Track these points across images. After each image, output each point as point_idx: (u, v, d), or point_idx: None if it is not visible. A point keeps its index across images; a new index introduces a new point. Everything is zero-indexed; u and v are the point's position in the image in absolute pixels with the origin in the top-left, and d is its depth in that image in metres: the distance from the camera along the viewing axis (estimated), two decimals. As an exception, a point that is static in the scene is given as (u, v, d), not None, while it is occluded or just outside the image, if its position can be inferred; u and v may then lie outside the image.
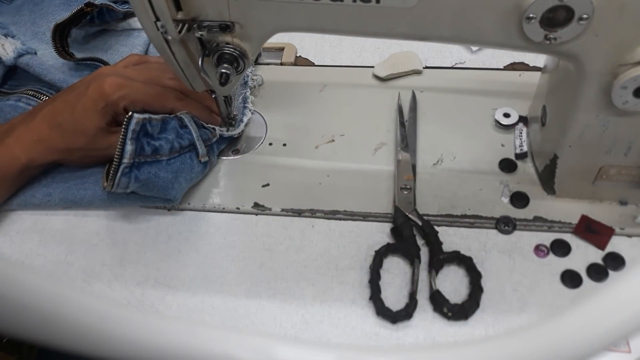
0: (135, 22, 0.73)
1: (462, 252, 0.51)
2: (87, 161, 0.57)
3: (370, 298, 0.49)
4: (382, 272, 0.51)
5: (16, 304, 0.19)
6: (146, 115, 0.52)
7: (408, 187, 0.56)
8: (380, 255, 0.51)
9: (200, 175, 0.58)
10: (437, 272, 0.50)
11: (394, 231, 0.53)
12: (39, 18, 0.73)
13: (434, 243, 0.51)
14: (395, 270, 0.51)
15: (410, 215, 0.53)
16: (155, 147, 0.53)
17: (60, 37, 0.67)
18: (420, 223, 0.53)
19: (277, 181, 0.59)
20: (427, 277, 0.50)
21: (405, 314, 0.47)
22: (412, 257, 0.51)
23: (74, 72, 0.68)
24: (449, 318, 0.48)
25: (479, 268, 0.50)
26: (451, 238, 0.53)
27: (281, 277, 0.52)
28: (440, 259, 0.50)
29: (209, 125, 0.59)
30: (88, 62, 0.67)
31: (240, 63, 0.49)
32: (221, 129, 0.60)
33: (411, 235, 0.52)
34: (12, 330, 0.19)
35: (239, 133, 0.62)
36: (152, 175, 0.53)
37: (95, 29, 0.72)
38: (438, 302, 0.48)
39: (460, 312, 0.47)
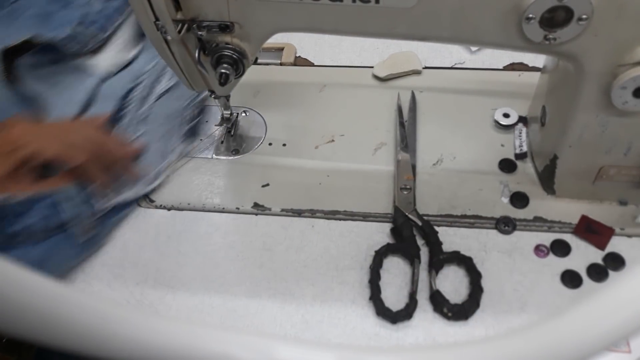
0: (87, 63, 0.67)
1: (462, 252, 0.51)
2: None
3: (370, 298, 0.49)
4: (382, 272, 0.50)
5: (16, 304, 0.19)
6: (5, 195, 0.48)
7: (408, 187, 0.56)
8: (380, 256, 0.51)
9: (80, 256, 0.54)
10: (437, 272, 0.50)
11: (393, 231, 0.53)
12: (7, 36, 0.66)
13: (433, 243, 0.51)
14: (395, 271, 0.51)
15: (410, 216, 0.53)
16: (14, 232, 0.49)
17: (10, 61, 0.63)
18: (420, 223, 0.53)
19: (277, 181, 0.59)
20: (427, 277, 0.50)
21: (405, 314, 0.47)
22: (412, 257, 0.51)
23: (12, 105, 0.61)
24: (449, 318, 0.48)
25: (479, 268, 0.50)
26: (451, 238, 0.53)
27: (281, 277, 0.52)
28: (440, 259, 0.50)
29: (105, 191, 0.55)
30: (29, 96, 0.62)
31: (240, 63, 0.49)
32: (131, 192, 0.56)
33: (411, 235, 0.52)
34: (11, 330, 0.19)
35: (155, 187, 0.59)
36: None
37: (49, 57, 0.66)
38: (438, 302, 0.48)
39: (460, 312, 0.47)
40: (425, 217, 0.54)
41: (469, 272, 0.50)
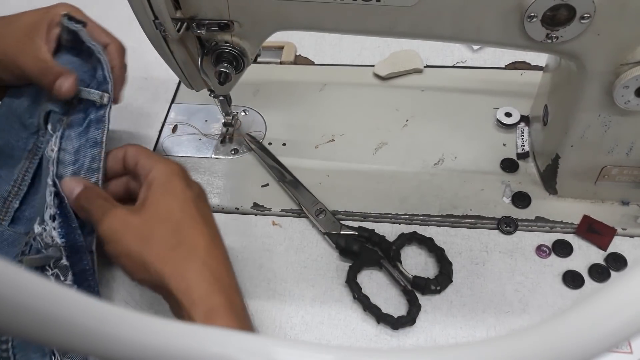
0: None
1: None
2: None
3: (365, 310, 0.48)
4: (362, 286, 0.50)
5: (14, 304, 0.19)
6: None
7: (321, 210, 0.55)
8: (354, 272, 0.50)
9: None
10: (401, 262, 0.50)
11: (344, 253, 0.52)
12: None
13: (376, 240, 0.51)
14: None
15: (343, 232, 0.52)
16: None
17: None
18: (355, 232, 0.52)
19: (277, 181, 0.58)
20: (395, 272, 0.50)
21: (408, 319, 0.47)
22: (378, 261, 0.50)
23: None
24: (439, 292, 0.48)
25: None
26: (452, 239, 0.53)
27: (281, 278, 0.51)
28: (394, 248, 0.50)
29: None
30: None
31: (240, 62, 0.48)
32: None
33: (361, 245, 0.51)
34: (9, 331, 0.19)
35: None
36: None
37: None
38: (421, 285, 0.48)
39: (444, 280, 0.49)
40: (425, 218, 0.53)
41: (429, 250, 0.51)
